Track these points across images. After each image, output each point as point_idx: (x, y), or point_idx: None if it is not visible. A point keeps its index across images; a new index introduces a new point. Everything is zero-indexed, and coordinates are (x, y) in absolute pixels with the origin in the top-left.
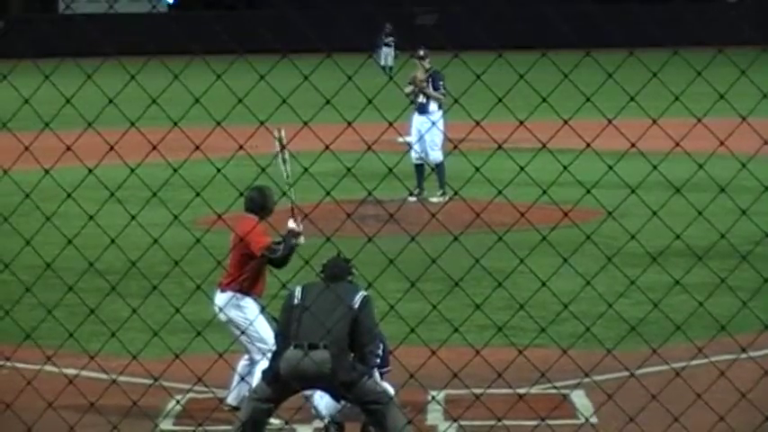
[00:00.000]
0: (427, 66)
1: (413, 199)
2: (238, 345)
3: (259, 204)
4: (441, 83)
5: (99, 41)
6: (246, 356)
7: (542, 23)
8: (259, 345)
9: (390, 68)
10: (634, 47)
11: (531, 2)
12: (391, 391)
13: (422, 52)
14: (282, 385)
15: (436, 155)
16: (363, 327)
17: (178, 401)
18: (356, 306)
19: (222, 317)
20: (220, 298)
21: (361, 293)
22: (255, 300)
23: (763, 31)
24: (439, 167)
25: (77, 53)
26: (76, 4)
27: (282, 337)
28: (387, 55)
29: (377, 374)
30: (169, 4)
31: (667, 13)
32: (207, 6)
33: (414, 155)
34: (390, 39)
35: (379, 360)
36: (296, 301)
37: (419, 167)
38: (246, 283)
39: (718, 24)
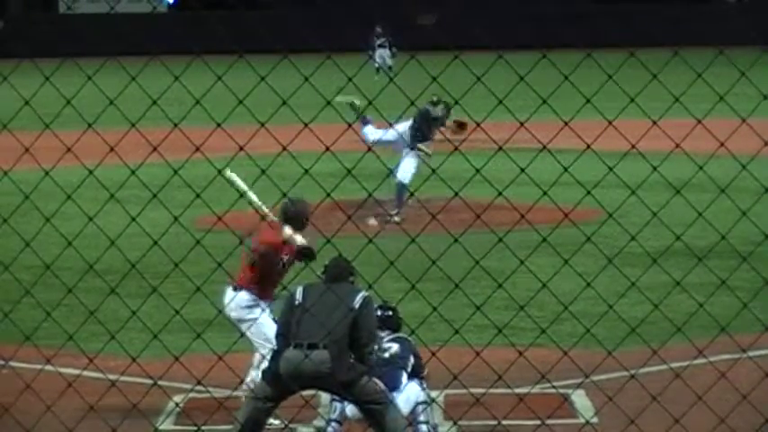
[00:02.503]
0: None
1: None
2: (241, 344)
3: (291, 215)
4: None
5: (99, 41)
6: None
7: (542, 23)
8: (265, 345)
9: (390, 68)
10: (634, 47)
11: (532, 2)
12: (422, 396)
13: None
14: (282, 385)
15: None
16: (363, 327)
17: (177, 404)
18: (356, 307)
19: (231, 315)
20: (230, 296)
21: (362, 294)
22: (265, 302)
23: (763, 31)
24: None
25: (77, 53)
26: (77, 4)
27: (283, 338)
28: (382, 56)
29: (418, 383)
30: (169, 4)
31: (667, 14)
32: (207, 6)
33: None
34: (383, 39)
35: (410, 369)
36: (297, 302)
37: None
38: (256, 283)
39: (719, 25)
